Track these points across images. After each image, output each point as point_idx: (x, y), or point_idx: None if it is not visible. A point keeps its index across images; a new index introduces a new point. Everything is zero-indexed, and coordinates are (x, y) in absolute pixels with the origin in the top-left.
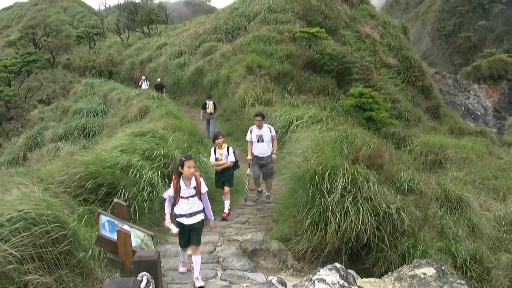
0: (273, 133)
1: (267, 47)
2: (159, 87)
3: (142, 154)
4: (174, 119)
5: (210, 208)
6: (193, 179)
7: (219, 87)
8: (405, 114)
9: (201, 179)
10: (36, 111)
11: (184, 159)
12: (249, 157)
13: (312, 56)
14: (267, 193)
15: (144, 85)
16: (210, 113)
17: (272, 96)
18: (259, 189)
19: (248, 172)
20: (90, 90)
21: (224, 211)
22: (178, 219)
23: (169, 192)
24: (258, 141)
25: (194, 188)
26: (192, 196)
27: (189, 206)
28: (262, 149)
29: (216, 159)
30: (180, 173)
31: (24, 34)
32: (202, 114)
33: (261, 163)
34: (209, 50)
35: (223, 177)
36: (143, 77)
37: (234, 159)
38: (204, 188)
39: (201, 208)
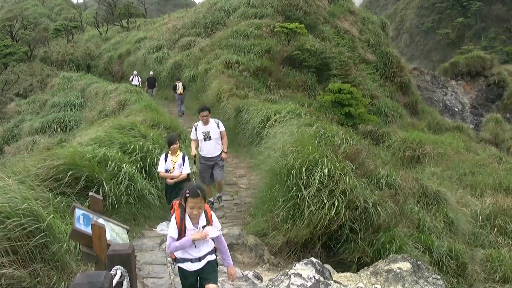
0: (222, 128)
1: (246, 41)
2: (151, 82)
3: (120, 148)
4: (153, 113)
5: (228, 251)
6: (203, 216)
7: (197, 82)
8: (383, 110)
9: (213, 216)
10: (13, 104)
11: (188, 194)
12: (193, 152)
13: (291, 52)
14: (218, 194)
15: (135, 81)
16: (180, 94)
17: (250, 91)
18: (211, 199)
19: (194, 169)
20: (67, 83)
21: None
22: (181, 265)
23: (170, 233)
24: (205, 139)
25: (204, 227)
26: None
27: (197, 250)
28: (210, 148)
29: (167, 170)
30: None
31: (1, 27)
32: (174, 95)
33: (211, 164)
34: (188, 44)
35: (176, 191)
36: (135, 72)
37: (189, 171)
38: (217, 226)
39: (212, 247)
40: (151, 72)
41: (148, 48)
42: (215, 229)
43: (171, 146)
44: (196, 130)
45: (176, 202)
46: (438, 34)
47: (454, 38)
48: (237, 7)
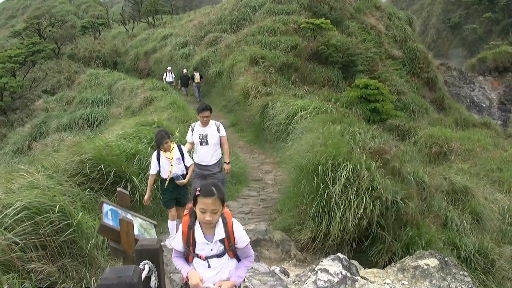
0: (223, 132)
1: (272, 38)
2: (184, 80)
3: (148, 143)
4: (179, 109)
5: (245, 270)
6: (220, 225)
7: (223, 78)
8: (410, 106)
9: (236, 226)
10: (41, 101)
11: (198, 192)
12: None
13: (317, 48)
14: None
15: (169, 78)
16: (197, 82)
17: (275, 88)
18: None
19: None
20: (94, 80)
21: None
22: None
23: (174, 245)
24: (201, 143)
25: (222, 241)
26: (218, 256)
27: (212, 273)
28: (206, 155)
29: (164, 171)
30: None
31: (29, 25)
32: (191, 84)
33: (205, 174)
34: (214, 40)
35: (176, 193)
36: (169, 68)
37: (191, 161)
38: (243, 240)
39: (231, 269)
40: (185, 70)
41: (174, 45)
42: None
43: (163, 145)
44: (192, 132)
45: (187, 206)
46: (465, 29)
47: (482, 33)
48: (263, 3)
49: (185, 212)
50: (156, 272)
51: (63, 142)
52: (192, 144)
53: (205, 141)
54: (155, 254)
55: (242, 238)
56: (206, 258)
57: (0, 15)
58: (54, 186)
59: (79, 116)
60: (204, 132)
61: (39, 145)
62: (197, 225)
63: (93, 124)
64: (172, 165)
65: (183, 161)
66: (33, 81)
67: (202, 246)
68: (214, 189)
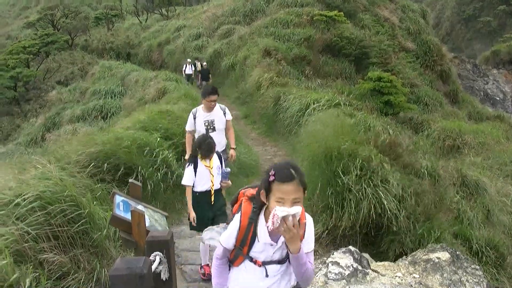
0: (229, 116)
1: (285, 30)
2: (204, 74)
3: (162, 133)
4: (193, 101)
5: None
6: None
7: (236, 70)
8: (424, 99)
9: (309, 219)
10: (54, 92)
11: (273, 177)
12: (187, 155)
13: (330, 40)
14: None
15: (189, 70)
16: (199, 71)
17: (288, 80)
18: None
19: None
20: (108, 71)
21: (206, 262)
22: None
23: (222, 239)
24: (207, 131)
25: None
26: (280, 262)
27: (268, 283)
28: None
29: (200, 182)
30: (263, 204)
31: (42, 16)
32: (197, 76)
33: None
34: (227, 32)
35: (214, 211)
36: (188, 60)
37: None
38: (311, 243)
39: (293, 282)
40: (205, 63)
41: (188, 37)
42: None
43: (210, 155)
44: (195, 119)
45: (245, 192)
46: (479, 22)
47: (496, 26)
48: None
49: (244, 198)
50: (167, 264)
51: (76, 133)
52: (193, 133)
53: (212, 127)
54: (166, 246)
55: (311, 240)
56: (264, 264)
57: (14, 6)
58: (66, 177)
59: (92, 107)
60: (210, 118)
61: (53, 136)
62: (261, 219)
63: (107, 115)
64: (213, 175)
65: (224, 169)
66: (47, 72)
67: (264, 247)
68: (292, 171)
